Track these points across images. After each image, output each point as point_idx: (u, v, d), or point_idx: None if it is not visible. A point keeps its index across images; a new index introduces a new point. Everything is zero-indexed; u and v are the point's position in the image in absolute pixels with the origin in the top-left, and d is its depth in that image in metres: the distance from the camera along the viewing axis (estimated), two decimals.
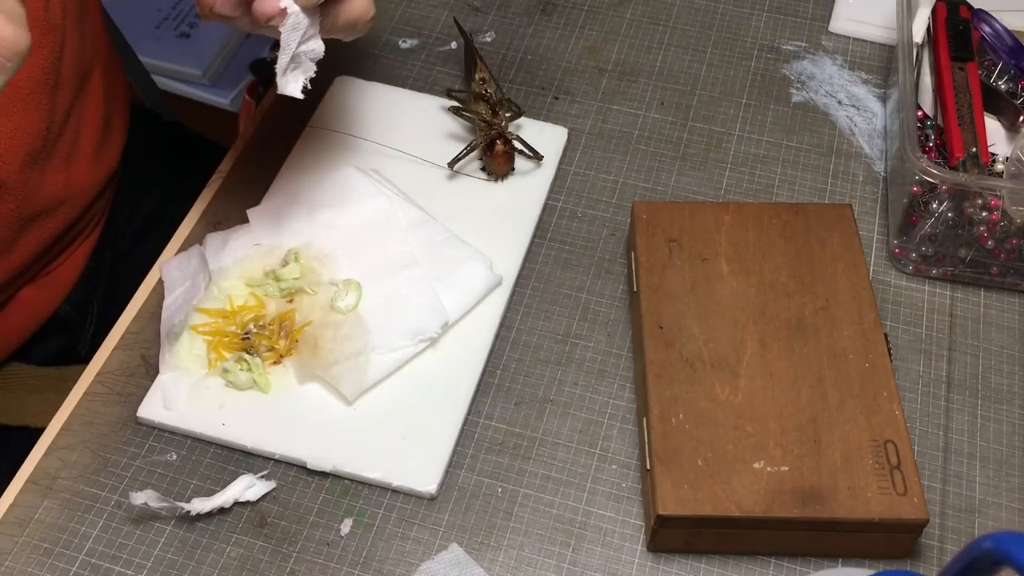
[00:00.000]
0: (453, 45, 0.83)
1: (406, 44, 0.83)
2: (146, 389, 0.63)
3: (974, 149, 0.67)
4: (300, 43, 0.55)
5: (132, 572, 0.57)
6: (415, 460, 0.60)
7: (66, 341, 0.80)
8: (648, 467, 0.57)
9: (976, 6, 0.74)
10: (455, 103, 0.75)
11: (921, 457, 0.61)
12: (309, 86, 0.58)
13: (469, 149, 0.72)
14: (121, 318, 0.67)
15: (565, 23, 0.85)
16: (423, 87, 0.80)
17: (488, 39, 0.83)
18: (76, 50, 0.71)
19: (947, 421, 0.63)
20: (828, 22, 0.84)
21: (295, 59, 0.56)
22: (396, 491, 0.60)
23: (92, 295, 0.81)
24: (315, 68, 0.57)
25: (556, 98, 0.79)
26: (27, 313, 0.75)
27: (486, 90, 0.75)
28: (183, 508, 0.57)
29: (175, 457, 0.61)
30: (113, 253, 0.83)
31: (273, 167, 0.74)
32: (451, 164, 0.72)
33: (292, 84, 0.57)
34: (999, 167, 0.69)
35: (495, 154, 0.71)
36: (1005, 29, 0.73)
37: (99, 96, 0.76)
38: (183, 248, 0.70)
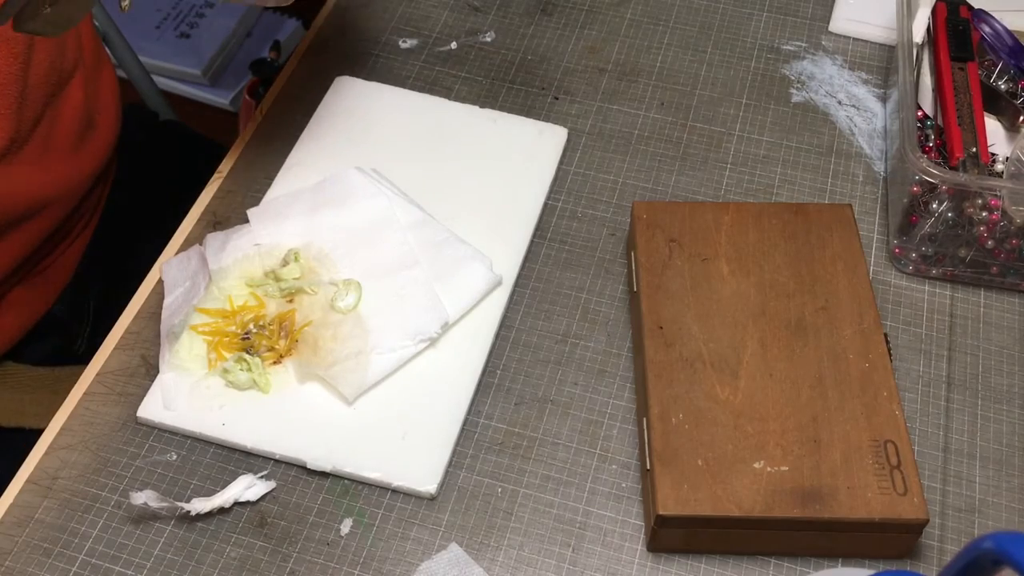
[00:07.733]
0: (453, 45, 0.83)
1: (406, 44, 0.83)
2: (146, 389, 0.63)
3: (974, 149, 0.67)
4: None
5: (132, 572, 0.57)
6: (415, 460, 0.60)
7: (61, 341, 0.80)
8: (648, 467, 0.57)
9: (976, 6, 0.74)
10: None
11: (921, 457, 0.61)
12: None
13: None
14: (121, 318, 0.67)
15: (565, 23, 0.85)
16: (423, 87, 0.80)
17: (488, 39, 0.83)
18: (50, 57, 0.70)
19: (947, 421, 0.63)
20: (828, 22, 0.84)
21: None
22: (396, 491, 0.60)
23: (87, 295, 0.81)
24: None
25: (556, 98, 0.79)
26: (19, 313, 0.75)
27: None
28: (183, 508, 0.57)
29: (175, 457, 0.61)
30: (109, 253, 0.83)
31: (273, 167, 0.74)
32: None
33: None
34: (999, 167, 0.69)
35: None
36: (1005, 29, 0.73)
37: (78, 98, 0.74)
38: (183, 248, 0.70)
